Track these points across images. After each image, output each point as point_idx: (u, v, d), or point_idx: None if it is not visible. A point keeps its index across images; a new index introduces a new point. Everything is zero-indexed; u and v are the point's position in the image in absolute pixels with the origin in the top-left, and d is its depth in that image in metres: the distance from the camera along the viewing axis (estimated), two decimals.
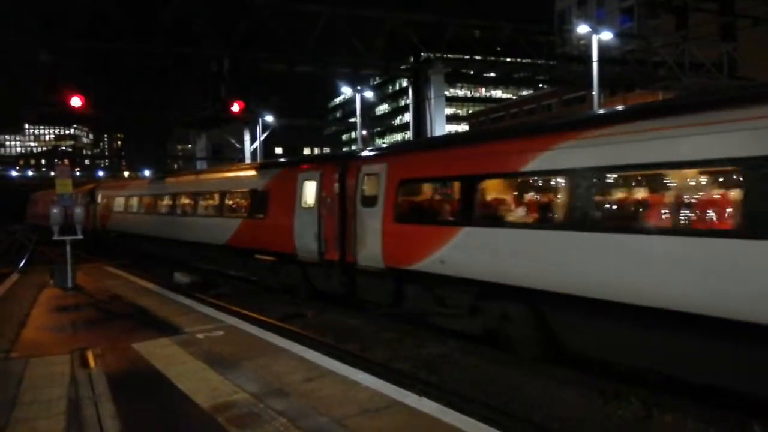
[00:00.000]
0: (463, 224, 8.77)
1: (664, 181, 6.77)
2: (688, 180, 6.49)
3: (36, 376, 6.55)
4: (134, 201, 24.31)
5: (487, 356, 8.51)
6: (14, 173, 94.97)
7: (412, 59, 29.14)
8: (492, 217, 8.64)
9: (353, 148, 71.78)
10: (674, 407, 6.30)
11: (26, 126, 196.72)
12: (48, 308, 11.04)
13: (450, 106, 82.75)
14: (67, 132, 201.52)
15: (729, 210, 5.98)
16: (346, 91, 38.31)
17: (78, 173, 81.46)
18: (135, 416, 5.27)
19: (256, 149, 40.95)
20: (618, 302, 6.54)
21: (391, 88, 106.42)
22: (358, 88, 36.71)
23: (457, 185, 9.32)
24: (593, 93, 24.90)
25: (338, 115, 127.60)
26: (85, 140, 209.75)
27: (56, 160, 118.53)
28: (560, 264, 7.21)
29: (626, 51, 33.59)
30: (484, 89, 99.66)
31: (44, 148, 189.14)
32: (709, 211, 6.22)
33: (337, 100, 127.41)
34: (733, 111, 5.85)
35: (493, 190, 8.92)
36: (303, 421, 4.99)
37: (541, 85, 52.86)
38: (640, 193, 6.99)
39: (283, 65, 24.06)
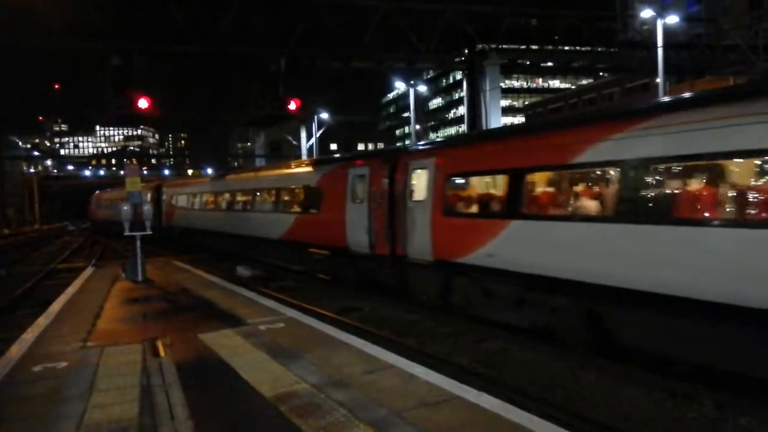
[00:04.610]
0: (213, 210, 23.59)
1: None
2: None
3: (110, 364, 6.83)
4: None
5: (548, 352, 8.29)
6: (87, 173, 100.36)
7: (466, 51, 28.65)
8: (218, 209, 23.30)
9: (407, 142, 71.79)
10: (750, 409, 5.95)
11: (97, 127, 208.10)
12: (120, 300, 11.53)
13: (505, 97, 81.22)
14: (135, 133, 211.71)
15: None
16: (400, 86, 38.21)
17: (145, 172, 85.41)
18: (203, 404, 5.43)
19: (312, 146, 41.66)
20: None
21: (444, 81, 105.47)
22: (412, 82, 36.53)
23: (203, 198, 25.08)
24: (657, 80, 23.82)
25: (392, 110, 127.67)
26: (151, 140, 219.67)
27: (125, 160, 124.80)
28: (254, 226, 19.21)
29: (694, 35, 31.72)
30: (541, 79, 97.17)
31: (114, 149, 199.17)
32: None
33: (390, 95, 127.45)
34: None
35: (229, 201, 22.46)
36: (363, 412, 5.02)
37: (601, 74, 50.99)
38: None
39: (340, 62, 24.21)
